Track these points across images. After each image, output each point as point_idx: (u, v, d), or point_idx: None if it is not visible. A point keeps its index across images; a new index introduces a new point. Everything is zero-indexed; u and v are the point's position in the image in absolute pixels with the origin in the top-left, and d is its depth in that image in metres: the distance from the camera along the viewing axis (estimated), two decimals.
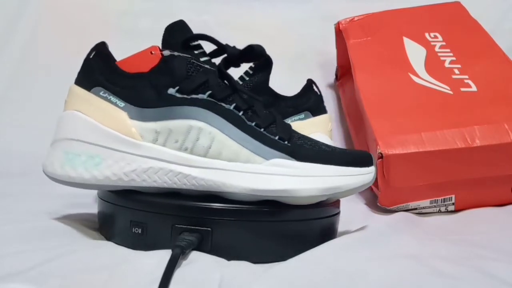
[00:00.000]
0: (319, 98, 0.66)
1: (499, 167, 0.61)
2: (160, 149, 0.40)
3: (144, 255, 0.36)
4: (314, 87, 0.67)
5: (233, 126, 0.41)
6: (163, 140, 0.40)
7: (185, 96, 0.41)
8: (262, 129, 0.42)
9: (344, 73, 0.93)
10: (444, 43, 0.78)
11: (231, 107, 0.42)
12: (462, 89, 0.68)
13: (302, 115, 0.63)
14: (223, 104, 0.41)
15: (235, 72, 0.50)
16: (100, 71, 0.43)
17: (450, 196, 0.61)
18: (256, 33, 1.03)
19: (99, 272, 0.33)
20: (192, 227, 0.38)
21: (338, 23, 0.87)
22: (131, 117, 0.41)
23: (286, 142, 0.42)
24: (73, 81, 0.45)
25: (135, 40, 1.07)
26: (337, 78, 0.96)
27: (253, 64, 0.58)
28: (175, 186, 0.40)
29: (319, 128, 0.63)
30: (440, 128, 0.61)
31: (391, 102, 0.68)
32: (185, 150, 0.40)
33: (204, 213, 0.38)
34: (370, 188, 0.65)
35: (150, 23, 1.04)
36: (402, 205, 0.61)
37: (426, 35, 0.80)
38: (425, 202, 0.61)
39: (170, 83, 0.41)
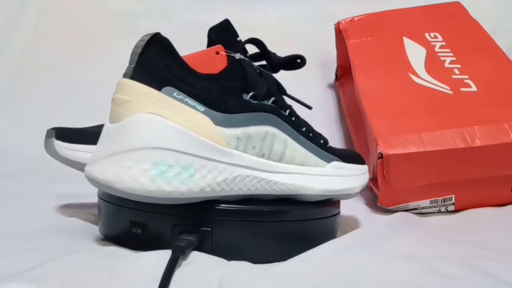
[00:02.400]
0: None
1: (499, 167, 0.61)
2: (246, 156, 0.39)
3: (144, 255, 0.36)
4: None
5: (296, 132, 0.43)
6: (244, 146, 0.39)
7: (257, 102, 0.41)
8: (310, 134, 0.44)
9: (344, 73, 0.93)
10: (444, 43, 0.78)
11: (286, 113, 0.43)
12: (462, 89, 0.68)
13: None
14: (282, 111, 0.42)
15: None
16: (167, 68, 0.38)
17: (450, 196, 0.62)
18: (256, 33, 1.03)
19: (99, 272, 0.33)
20: (192, 227, 0.38)
21: (338, 23, 0.87)
22: (215, 123, 0.38)
23: (328, 145, 0.46)
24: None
25: (135, 40, 1.07)
26: (337, 78, 0.96)
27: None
28: (256, 192, 0.40)
29: None
30: (440, 128, 0.61)
31: (391, 102, 0.68)
32: (262, 156, 0.40)
33: (204, 213, 0.38)
34: (370, 188, 0.65)
35: (150, 23, 1.04)
36: (402, 205, 0.61)
37: (426, 35, 0.80)
38: (425, 202, 0.61)
39: (244, 88, 0.40)
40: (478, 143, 0.60)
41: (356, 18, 0.86)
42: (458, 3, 0.87)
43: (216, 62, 0.40)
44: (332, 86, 0.99)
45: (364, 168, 0.49)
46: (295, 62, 0.51)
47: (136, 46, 0.38)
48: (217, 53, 0.41)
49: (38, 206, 0.53)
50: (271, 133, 0.41)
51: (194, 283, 0.33)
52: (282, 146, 0.41)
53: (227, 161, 0.38)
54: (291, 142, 0.42)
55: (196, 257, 0.36)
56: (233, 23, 0.47)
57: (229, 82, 0.40)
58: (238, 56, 0.41)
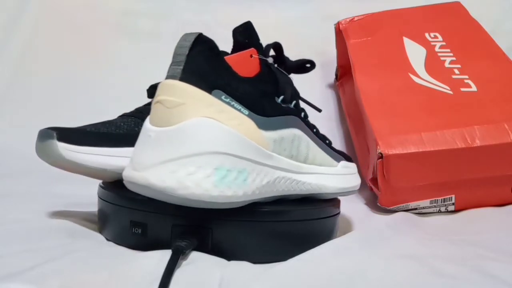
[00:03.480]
0: None
1: (499, 167, 0.61)
2: (282, 158, 0.40)
3: (144, 255, 0.36)
4: None
5: (312, 134, 0.45)
6: (278, 149, 0.40)
7: (286, 105, 0.42)
8: (320, 135, 0.46)
9: (344, 73, 0.93)
10: (444, 43, 0.78)
11: (303, 116, 0.44)
12: (462, 89, 0.68)
13: None
14: (301, 114, 0.44)
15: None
16: (215, 70, 0.37)
17: (450, 196, 0.62)
18: None
19: (99, 272, 0.33)
20: (192, 227, 0.38)
21: (338, 23, 0.87)
22: (258, 127, 0.38)
23: (333, 145, 0.48)
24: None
25: (135, 40, 1.08)
26: (337, 78, 0.96)
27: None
28: (288, 193, 0.41)
29: None
30: (440, 128, 0.61)
31: (391, 102, 0.68)
32: (291, 157, 0.42)
33: (204, 213, 0.38)
34: (370, 188, 0.65)
35: (150, 23, 1.04)
36: (402, 205, 0.61)
37: (426, 35, 0.80)
38: (425, 202, 0.61)
39: (275, 91, 0.41)
40: (478, 143, 0.60)
41: (356, 18, 0.86)
42: (458, 3, 0.87)
43: (250, 65, 0.41)
44: (332, 86, 0.99)
45: (355, 166, 0.52)
46: (305, 66, 0.52)
47: (180, 47, 0.36)
48: (251, 56, 0.41)
49: (38, 206, 0.52)
50: (298, 135, 0.42)
51: (194, 283, 0.33)
52: (306, 148, 0.43)
53: (270, 164, 0.39)
54: (311, 144, 0.44)
55: (196, 257, 0.36)
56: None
57: (264, 85, 0.40)
58: (270, 60, 0.43)
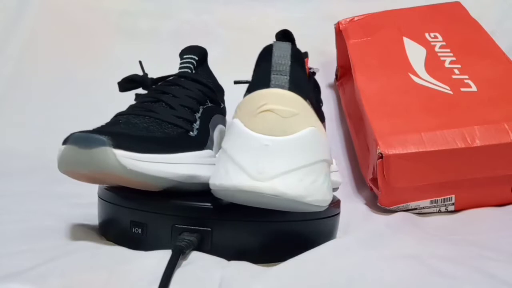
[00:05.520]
0: None
1: (499, 167, 0.61)
2: None
3: (144, 255, 0.36)
4: None
5: None
6: None
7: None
8: None
9: (344, 73, 0.93)
10: (444, 43, 0.78)
11: None
12: (462, 89, 0.68)
13: None
14: None
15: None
16: (305, 80, 0.38)
17: (450, 196, 0.62)
18: (256, 33, 1.03)
19: (99, 272, 0.33)
20: (192, 227, 0.38)
21: (338, 23, 0.87)
22: None
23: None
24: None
25: (135, 40, 1.07)
26: (337, 78, 0.96)
27: None
28: None
29: None
30: (440, 128, 0.61)
31: (391, 102, 0.68)
32: None
33: (204, 213, 0.38)
34: (370, 188, 0.65)
35: (150, 23, 1.04)
36: (402, 205, 0.61)
37: (426, 35, 0.80)
38: (425, 202, 0.61)
39: (319, 98, 0.43)
40: (478, 143, 0.60)
41: (356, 18, 0.86)
42: (458, 3, 0.87)
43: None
44: (332, 86, 0.99)
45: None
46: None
47: (280, 56, 0.38)
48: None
49: (38, 206, 0.53)
50: None
51: (194, 283, 0.33)
52: None
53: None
54: None
55: (196, 257, 0.36)
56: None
57: (316, 94, 0.43)
58: (317, 70, 0.44)
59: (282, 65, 0.37)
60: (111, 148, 0.35)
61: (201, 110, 0.47)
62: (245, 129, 0.35)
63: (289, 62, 0.38)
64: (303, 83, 0.38)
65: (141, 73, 0.50)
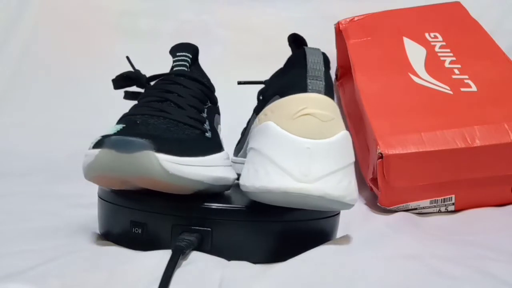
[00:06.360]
0: None
1: (499, 167, 0.61)
2: None
3: (144, 255, 0.36)
4: None
5: None
6: None
7: None
8: None
9: (344, 73, 0.93)
10: (444, 43, 0.78)
11: None
12: (462, 89, 0.68)
13: None
14: None
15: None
16: (332, 84, 0.41)
17: (450, 196, 0.62)
18: (256, 33, 1.03)
19: (99, 272, 0.33)
20: (192, 227, 0.38)
21: (338, 23, 0.87)
22: None
23: None
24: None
25: (135, 40, 1.07)
26: (337, 78, 0.96)
27: None
28: None
29: None
30: (440, 128, 0.61)
31: (391, 102, 0.68)
32: None
33: (204, 213, 0.38)
34: (370, 188, 0.65)
35: (150, 23, 1.04)
36: (402, 205, 0.61)
37: (426, 35, 0.80)
38: (425, 202, 0.61)
39: None
40: (478, 143, 0.60)
41: (356, 18, 0.86)
42: (458, 3, 0.87)
43: None
44: None
45: None
46: None
47: (314, 62, 0.39)
48: None
49: (38, 206, 0.53)
50: None
51: (194, 283, 0.33)
52: None
53: None
54: None
55: (196, 257, 0.36)
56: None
57: None
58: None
59: (317, 71, 0.39)
60: (153, 152, 0.34)
61: (205, 110, 0.45)
62: (283, 132, 0.36)
63: (323, 68, 0.39)
64: (333, 89, 0.40)
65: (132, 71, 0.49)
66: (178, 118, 0.41)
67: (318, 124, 0.36)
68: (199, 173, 0.37)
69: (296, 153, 0.36)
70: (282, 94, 0.39)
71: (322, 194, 0.35)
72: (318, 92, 0.38)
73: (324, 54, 0.41)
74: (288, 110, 0.37)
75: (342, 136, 0.37)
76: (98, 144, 0.35)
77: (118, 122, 0.40)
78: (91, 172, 0.36)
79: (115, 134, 0.36)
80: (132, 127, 0.38)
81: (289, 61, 0.43)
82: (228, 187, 0.42)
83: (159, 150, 0.34)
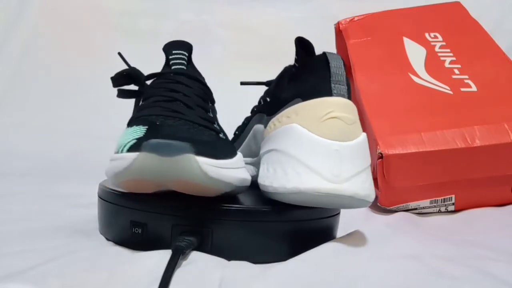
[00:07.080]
0: None
1: (499, 167, 0.61)
2: None
3: (144, 255, 0.36)
4: None
5: None
6: None
7: None
8: None
9: None
10: (444, 43, 0.78)
11: None
12: (462, 89, 0.68)
13: None
14: None
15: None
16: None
17: (450, 196, 0.62)
18: (256, 33, 1.03)
19: (99, 272, 0.33)
20: (192, 227, 0.38)
21: (338, 23, 0.87)
22: None
23: None
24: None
25: (135, 40, 1.07)
26: None
27: None
28: None
29: None
30: (440, 128, 0.61)
31: (391, 102, 0.68)
32: None
33: (204, 213, 0.38)
34: None
35: (150, 23, 1.04)
36: (402, 205, 0.61)
37: (426, 35, 0.80)
38: (425, 202, 0.61)
39: None
40: (478, 143, 0.60)
41: (356, 18, 0.86)
42: (458, 3, 0.87)
43: None
44: None
45: None
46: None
47: (337, 67, 0.41)
48: None
49: (38, 206, 0.53)
50: None
51: (194, 283, 0.33)
52: None
53: None
54: None
55: (196, 257, 0.36)
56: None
57: None
58: None
59: (339, 75, 0.41)
60: (194, 155, 0.33)
61: (210, 109, 0.45)
62: (310, 134, 0.38)
63: (344, 73, 0.41)
64: (351, 92, 0.41)
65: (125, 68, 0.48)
66: (192, 119, 0.40)
67: (344, 127, 0.38)
68: (231, 175, 0.37)
69: (326, 155, 0.37)
70: (305, 97, 0.40)
71: (352, 194, 0.37)
72: (342, 96, 0.40)
73: (343, 59, 0.43)
74: (315, 113, 0.38)
75: (363, 139, 0.39)
76: (134, 147, 0.34)
77: (134, 124, 0.40)
78: (125, 176, 0.35)
79: (147, 137, 0.35)
80: (157, 129, 0.37)
81: (308, 65, 0.43)
82: (246, 188, 0.41)
83: (199, 153, 0.34)
